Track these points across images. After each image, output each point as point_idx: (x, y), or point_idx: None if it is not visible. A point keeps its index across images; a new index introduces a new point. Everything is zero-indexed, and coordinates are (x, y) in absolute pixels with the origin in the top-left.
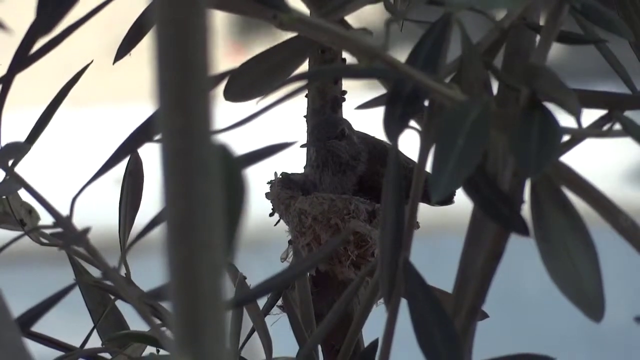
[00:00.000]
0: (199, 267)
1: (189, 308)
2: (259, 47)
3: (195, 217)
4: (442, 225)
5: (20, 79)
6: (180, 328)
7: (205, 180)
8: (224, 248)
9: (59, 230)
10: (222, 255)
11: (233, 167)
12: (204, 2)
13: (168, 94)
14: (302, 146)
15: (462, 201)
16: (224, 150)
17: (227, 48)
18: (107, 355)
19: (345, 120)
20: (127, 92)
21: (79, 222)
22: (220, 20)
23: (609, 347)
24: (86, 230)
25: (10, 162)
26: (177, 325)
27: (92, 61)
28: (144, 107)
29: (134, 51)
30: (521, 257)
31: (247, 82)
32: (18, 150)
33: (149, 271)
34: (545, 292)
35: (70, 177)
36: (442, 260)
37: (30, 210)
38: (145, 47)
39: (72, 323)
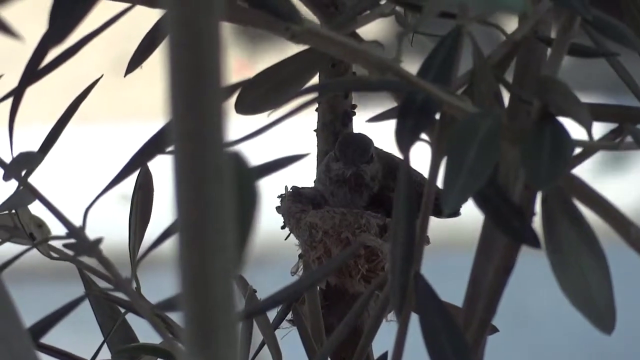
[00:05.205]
0: (211, 272)
1: (200, 313)
2: (265, 65)
3: (207, 220)
4: (452, 242)
5: (27, 96)
6: (192, 333)
7: (217, 184)
8: (235, 257)
9: (71, 241)
10: (234, 261)
11: (246, 175)
12: (218, 6)
13: (180, 97)
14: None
15: (472, 217)
16: (237, 159)
17: (233, 65)
18: None
19: (371, 140)
20: (136, 109)
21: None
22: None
23: None
24: (99, 241)
25: (22, 174)
26: (189, 330)
27: (102, 75)
28: (153, 123)
29: (144, 68)
30: (532, 273)
31: (258, 95)
32: (30, 159)
33: (158, 287)
34: (555, 308)
35: (81, 194)
36: (451, 277)
37: (40, 225)
38: (156, 63)
39: (81, 337)
